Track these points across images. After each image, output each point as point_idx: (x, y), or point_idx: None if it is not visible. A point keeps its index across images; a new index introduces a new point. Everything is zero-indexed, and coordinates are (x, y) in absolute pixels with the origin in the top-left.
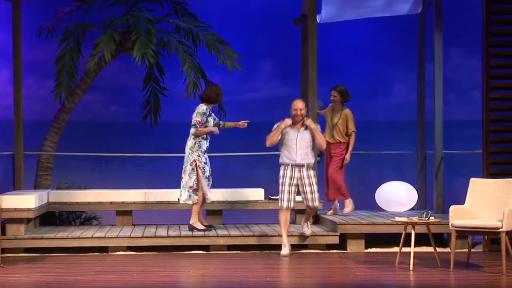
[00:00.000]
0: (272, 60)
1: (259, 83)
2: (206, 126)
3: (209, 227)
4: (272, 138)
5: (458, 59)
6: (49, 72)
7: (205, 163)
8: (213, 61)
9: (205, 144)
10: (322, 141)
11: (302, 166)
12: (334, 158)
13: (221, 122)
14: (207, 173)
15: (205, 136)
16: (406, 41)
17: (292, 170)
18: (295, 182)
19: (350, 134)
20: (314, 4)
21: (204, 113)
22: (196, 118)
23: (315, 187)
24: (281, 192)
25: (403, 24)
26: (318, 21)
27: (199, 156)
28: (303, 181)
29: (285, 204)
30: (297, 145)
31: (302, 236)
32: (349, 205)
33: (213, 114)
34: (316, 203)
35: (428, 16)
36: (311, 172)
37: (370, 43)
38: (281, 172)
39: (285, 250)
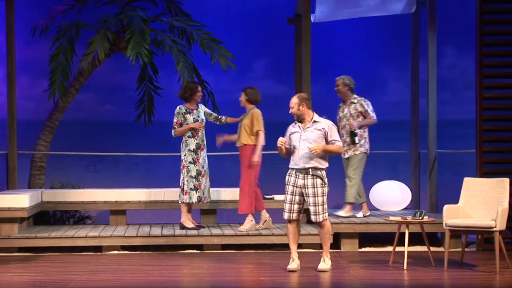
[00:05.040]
0: (266, 59)
1: (253, 82)
2: (187, 124)
3: (198, 227)
4: (282, 155)
5: (451, 59)
6: (43, 71)
7: (191, 162)
8: (207, 60)
9: (192, 143)
10: (338, 151)
11: (307, 172)
12: (241, 164)
13: (222, 117)
14: (192, 173)
15: (190, 134)
16: (400, 40)
17: (296, 176)
18: (298, 190)
19: (256, 133)
20: (308, 3)
21: (179, 113)
22: (174, 120)
23: (320, 199)
24: (284, 201)
25: (397, 23)
26: (312, 21)
27: (185, 155)
28: (307, 190)
29: (285, 216)
30: (300, 146)
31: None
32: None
33: (195, 111)
34: (320, 218)
35: (422, 16)
36: (317, 181)
37: (364, 43)
38: (286, 178)
39: (292, 265)
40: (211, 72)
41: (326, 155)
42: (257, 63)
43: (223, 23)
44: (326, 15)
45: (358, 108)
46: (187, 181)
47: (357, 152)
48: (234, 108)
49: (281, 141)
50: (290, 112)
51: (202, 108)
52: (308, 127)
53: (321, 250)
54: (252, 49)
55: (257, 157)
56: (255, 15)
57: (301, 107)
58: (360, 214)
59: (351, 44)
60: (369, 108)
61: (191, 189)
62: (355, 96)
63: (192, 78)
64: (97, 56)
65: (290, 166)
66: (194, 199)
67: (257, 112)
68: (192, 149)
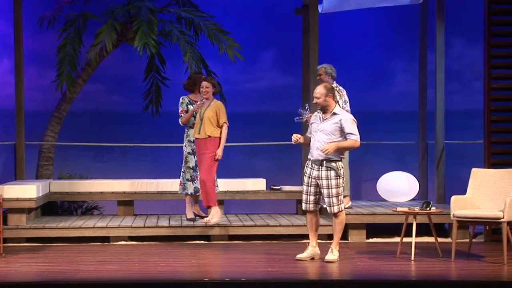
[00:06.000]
0: (273, 50)
1: (260, 73)
2: None
3: (192, 219)
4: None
5: (459, 49)
6: (50, 62)
7: (190, 153)
8: (215, 51)
9: (191, 133)
10: (353, 146)
11: (321, 164)
12: (205, 156)
13: None
14: (190, 163)
15: (192, 125)
16: (408, 31)
17: (311, 167)
18: (313, 182)
19: (222, 126)
20: None
21: (182, 103)
22: (179, 109)
23: (334, 191)
24: (302, 192)
25: (405, 14)
26: (320, 11)
27: (185, 146)
28: (321, 181)
29: (303, 206)
30: (316, 137)
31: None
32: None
33: (199, 103)
34: (334, 210)
35: (430, 6)
36: (331, 173)
37: (371, 33)
38: (304, 169)
39: (303, 254)
40: (218, 63)
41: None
42: (265, 53)
43: (231, 14)
44: (334, 6)
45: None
46: (183, 171)
47: None
48: (241, 98)
49: (294, 138)
50: (315, 102)
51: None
52: (327, 118)
53: (328, 241)
54: (260, 40)
55: (221, 151)
56: (262, 5)
57: (328, 98)
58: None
59: (358, 35)
60: (341, 99)
61: (187, 180)
62: (334, 85)
63: (199, 69)
64: (104, 47)
65: (308, 156)
66: (190, 190)
67: (221, 104)
68: (192, 140)
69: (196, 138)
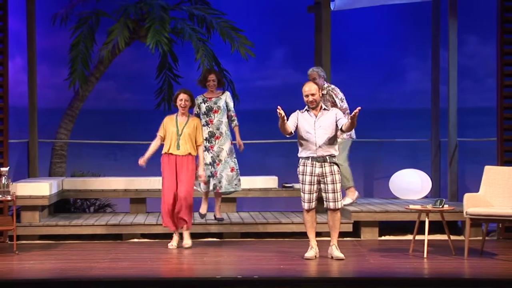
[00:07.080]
0: (285, 47)
1: (272, 70)
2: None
3: (204, 215)
4: (283, 132)
5: (472, 46)
6: (63, 60)
7: (203, 150)
8: (227, 49)
9: (205, 131)
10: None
11: (325, 160)
12: (186, 175)
13: (234, 123)
14: (207, 159)
15: (204, 122)
16: (420, 28)
17: (313, 165)
18: (316, 179)
19: (199, 146)
20: None
21: (195, 104)
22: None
23: (338, 186)
24: (302, 191)
25: (417, 11)
26: (332, 9)
27: None
28: (325, 178)
29: (306, 206)
30: (316, 134)
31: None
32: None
33: (213, 99)
34: (339, 205)
35: (443, 3)
36: (334, 168)
37: (384, 30)
38: (300, 168)
39: (311, 253)
40: (230, 61)
41: (336, 142)
42: (277, 51)
43: (243, 11)
44: (346, 3)
45: (328, 98)
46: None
47: (338, 140)
48: (254, 96)
49: (280, 109)
50: (311, 99)
51: (226, 97)
52: (320, 115)
53: (340, 238)
54: (272, 38)
55: (203, 170)
56: (274, 3)
57: (319, 92)
58: (348, 201)
59: (371, 32)
60: (337, 97)
61: (208, 176)
62: (325, 85)
63: (211, 66)
64: (117, 45)
65: (304, 155)
66: (210, 187)
67: (200, 121)
68: (205, 138)
69: (172, 154)
